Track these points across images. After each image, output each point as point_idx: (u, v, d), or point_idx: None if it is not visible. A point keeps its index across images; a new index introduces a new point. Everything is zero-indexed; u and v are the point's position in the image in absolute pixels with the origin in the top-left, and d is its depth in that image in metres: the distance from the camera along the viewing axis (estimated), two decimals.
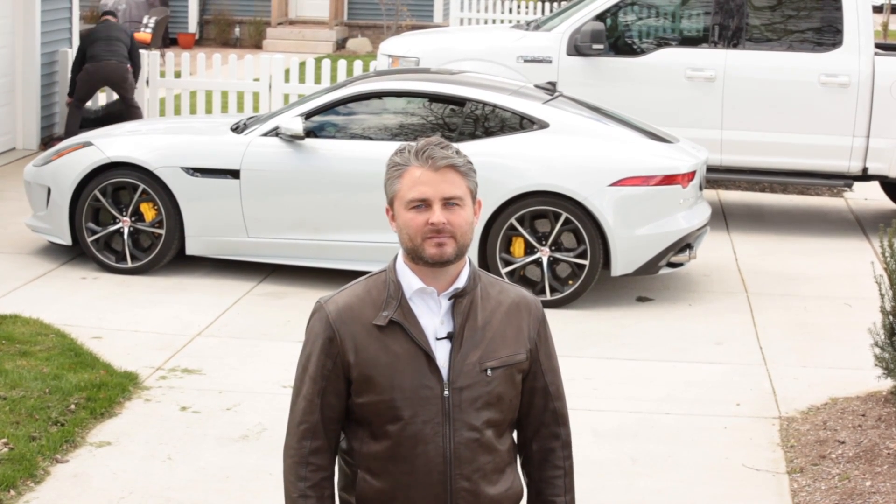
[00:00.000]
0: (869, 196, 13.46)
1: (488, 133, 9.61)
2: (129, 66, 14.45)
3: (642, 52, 12.08)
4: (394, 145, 9.57)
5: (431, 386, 3.40)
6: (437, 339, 3.42)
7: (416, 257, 3.41)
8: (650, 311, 9.44)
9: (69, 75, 14.53)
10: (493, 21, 24.38)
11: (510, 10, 25.04)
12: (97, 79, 14.28)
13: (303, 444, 3.46)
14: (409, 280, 3.43)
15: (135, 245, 9.84)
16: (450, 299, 3.43)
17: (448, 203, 3.39)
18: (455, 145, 3.49)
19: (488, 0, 25.24)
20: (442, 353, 3.41)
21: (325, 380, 3.45)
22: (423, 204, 3.38)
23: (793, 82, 11.78)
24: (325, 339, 3.45)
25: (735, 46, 11.95)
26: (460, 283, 3.44)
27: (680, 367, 8.26)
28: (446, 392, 3.40)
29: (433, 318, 3.43)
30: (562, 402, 3.61)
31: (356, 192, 9.44)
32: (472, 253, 8.83)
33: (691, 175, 9.55)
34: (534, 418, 3.58)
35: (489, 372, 3.42)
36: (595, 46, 11.88)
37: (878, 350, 7.26)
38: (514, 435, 3.63)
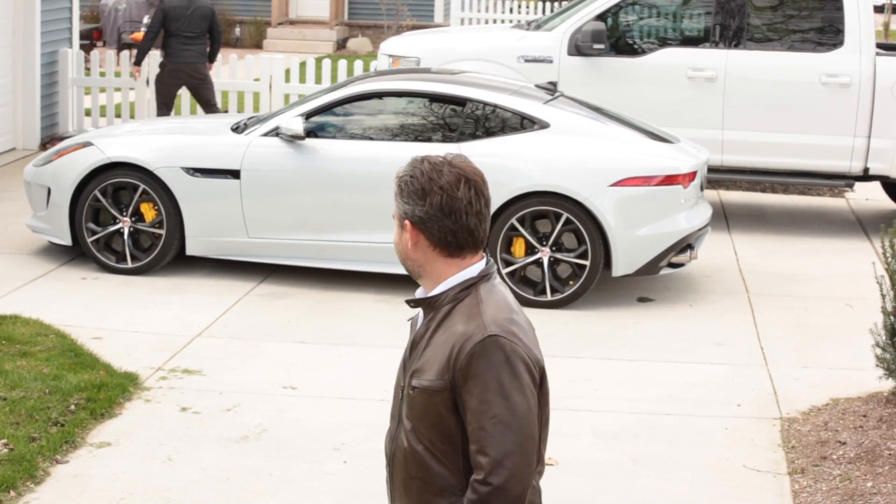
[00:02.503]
0: (870, 196, 13.45)
1: (489, 133, 9.59)
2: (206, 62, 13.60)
3: (643, 52, 12.06)
4: (394, 145, 9.55)
5: (401, 384, 3.50)
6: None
7: None
8: (651, 311, 9.43)
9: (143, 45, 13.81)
10: (494, 21, 24.36)
11: (511, 10, 25.02)
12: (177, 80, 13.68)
13: None
14: None
15: (135, 245, 9.83)
16: (413, 306, 3.47)
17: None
18: (445, 154, 3.44)
19: (489, 0, 25.22)
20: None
21: None
22: None
23: (794, 82, 11.76)
24: None
25: (736, 46, 11.93)
26: (422, 294, 3.46)
27: (681, 367, 8.24)
28: (401, 395, 3.48)
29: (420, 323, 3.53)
30: (486, 456, 3.22)
31: (356, 192, 9.43)
32: None
33: (692, 175, 9.54)
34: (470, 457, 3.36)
35: (412, 390, 3.40)
36: (596, 46, 11.86)
37: (879, 351, 7.26)
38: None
